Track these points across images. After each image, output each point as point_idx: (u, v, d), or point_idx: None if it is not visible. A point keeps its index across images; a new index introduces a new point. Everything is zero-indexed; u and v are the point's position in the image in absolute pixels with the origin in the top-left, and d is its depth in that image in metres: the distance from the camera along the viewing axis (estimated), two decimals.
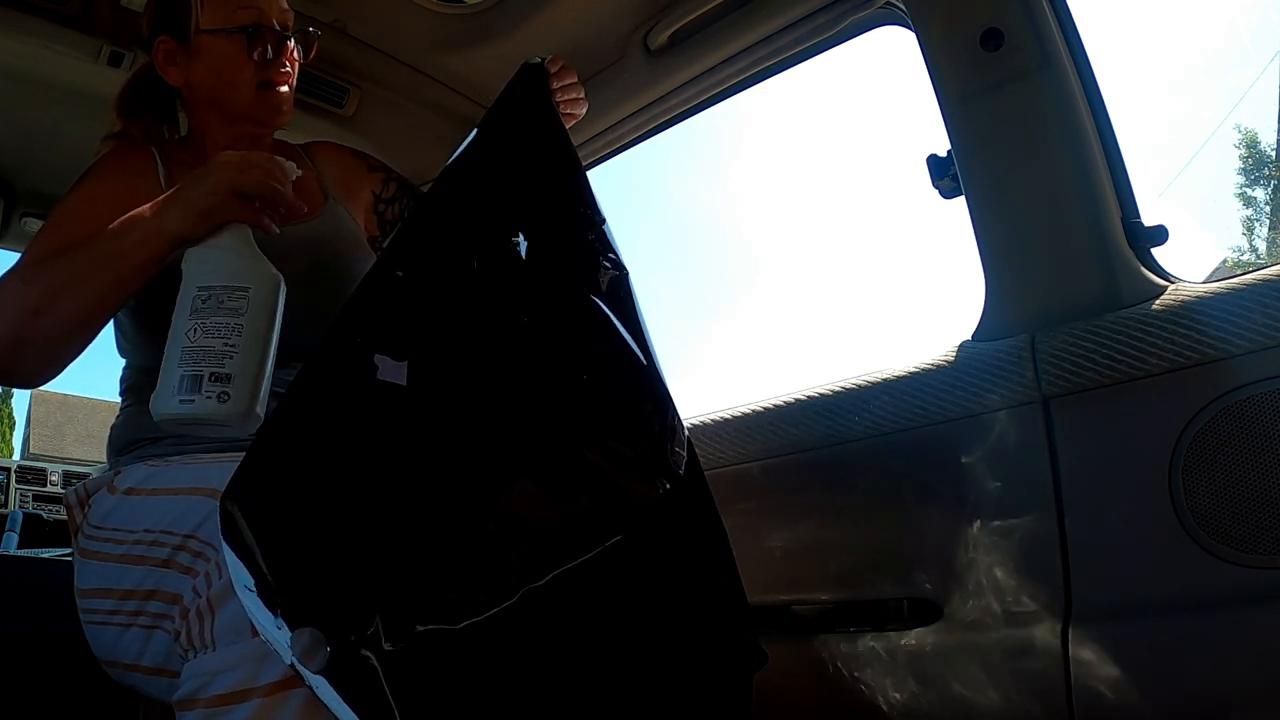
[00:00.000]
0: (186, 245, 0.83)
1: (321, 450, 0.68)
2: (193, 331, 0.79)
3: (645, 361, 0.84)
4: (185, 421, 0.79)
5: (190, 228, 0.82)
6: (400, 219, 1.18)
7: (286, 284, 0.92)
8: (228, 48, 1.01)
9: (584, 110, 1.03)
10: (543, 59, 0.93)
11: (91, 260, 0.84)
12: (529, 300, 0.80)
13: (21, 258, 0.90)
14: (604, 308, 0.83)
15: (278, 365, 0.95)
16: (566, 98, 0.97)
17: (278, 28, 1.02)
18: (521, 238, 0.81)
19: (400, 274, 0.75)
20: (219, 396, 0.79)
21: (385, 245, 0.75)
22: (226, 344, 0.80)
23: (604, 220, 0.87)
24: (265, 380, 0.83)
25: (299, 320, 0.98)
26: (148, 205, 0.84)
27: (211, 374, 0.79)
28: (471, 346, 0.76)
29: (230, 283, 0.81)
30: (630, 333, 0.84)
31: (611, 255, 0.86)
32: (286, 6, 1.05)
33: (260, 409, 0.81)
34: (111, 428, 0.99)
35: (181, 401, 0.78)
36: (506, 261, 0.80)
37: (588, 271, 0.85)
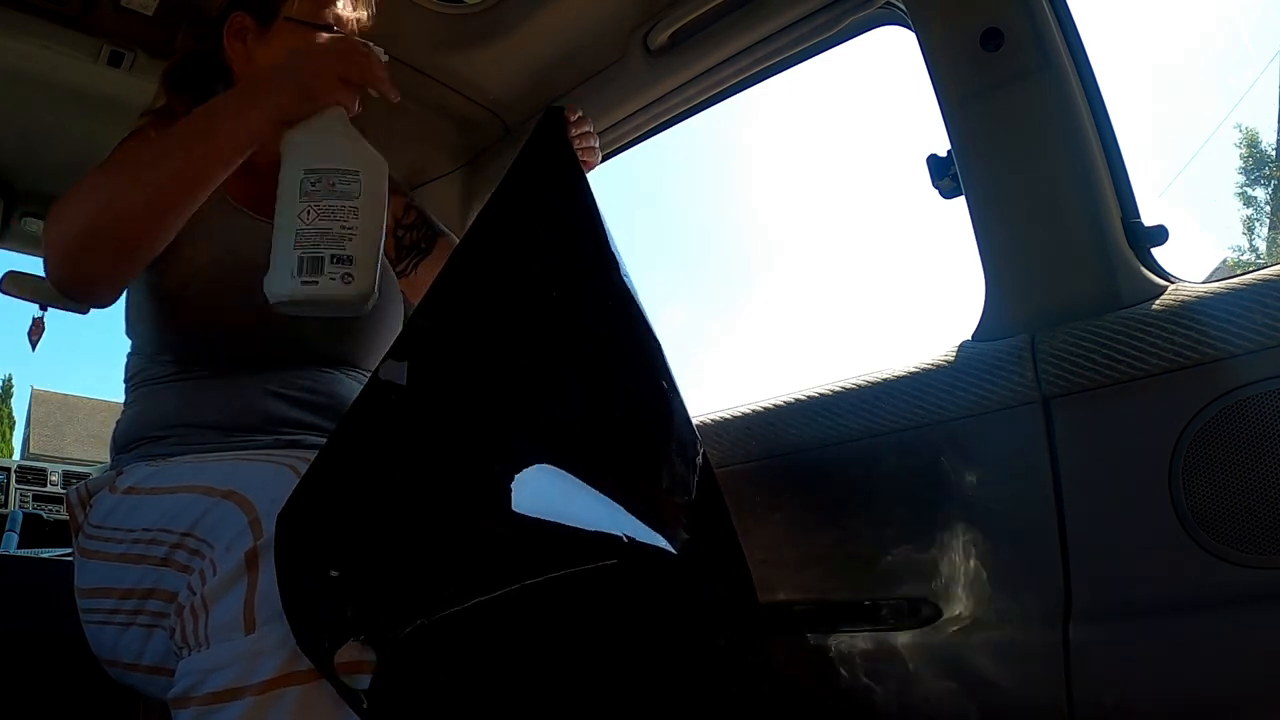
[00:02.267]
0: (283, 127, 0.83)
1: (363, 487, 0.69)
2: (306, 214, 0.78)
3: (666, 385, 0.88)
4: (304, 303, 0.78)
5: (295, 107, 0.82)
6: (417, 247, 1.19)
7: None
8: (303, 40, 1.00)
9: (598, 160, 1.05)
10: (562, 108, 0.95)
11: (181, 138, 0.82)
12: (564, 341, 0.81)
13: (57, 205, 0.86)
14: (629, 337, 0.87)
15: (299, 368, 0.95)
16: (582, 146, 0.99)
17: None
18: (553, 282, 0.83)
19: (436, 325, 0.76)
20: (342, 278, 0.78)
21: (427, 294, 0.77)
22: (344, 227, 0.79)
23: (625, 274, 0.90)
24: (380, 264, 0.82)
25: (330, 330, 0.98)
26: (234, 91, 0.84)
27: (333, 255, 0.78)
28: (508, 390, 0.77)
29: (341, 166, 0.81)
30: (652, 360, 0.87)
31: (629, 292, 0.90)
32: (368, 20, 1.06)
33: (376, 291, 0.81)
34: (117, 422, 0.99)
35: (304, 283, 0.76)
36: (539, 306, 0.81)
37: (613, 308, 0.87)
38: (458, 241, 1.21)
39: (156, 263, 0.92)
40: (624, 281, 0.90)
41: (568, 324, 0.83)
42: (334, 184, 0.80)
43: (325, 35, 0.87)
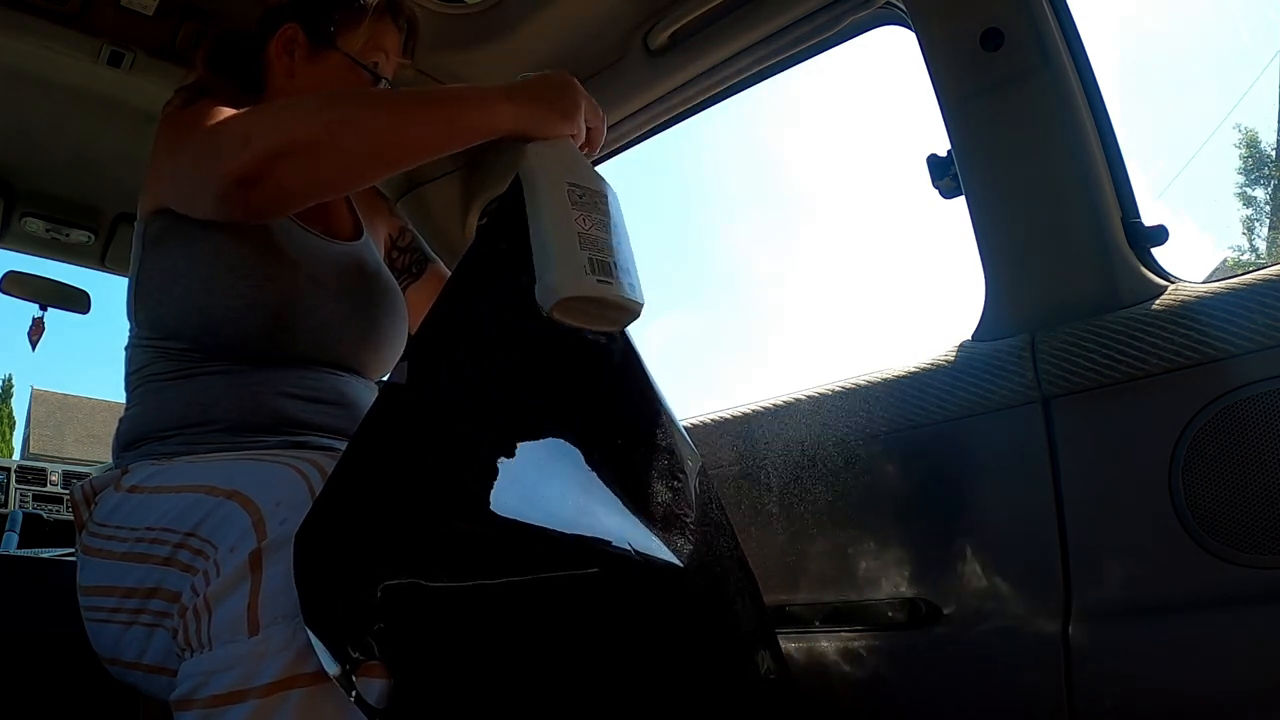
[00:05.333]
0: (518, 136, 0.85)
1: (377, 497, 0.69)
2: (582, 221, 0.79)
3: (657, 404, 0.89)
4: (590, 304, 0.78)
5: (544, 125, 0.85)
6: (408, 270, 1.21)
7: (342, 300, 0.97)
8: (349, 75, 1.02)
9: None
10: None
11: (419, 105, 0.84)
12: (556, 365, 0.83)
13: (232, 117, 0.84)
14: (622, 372, 0.88)
15: (311, 370, 0.96)
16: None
17: (388, 78, 1.07)
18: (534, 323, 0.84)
19: (436, 350, 0.77)
20: (628, 286, 0.79)
21: (424, 322, 0.79)
22: (615, 242, 0.81)
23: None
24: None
25: (348, 336, 0.99)
26: (473, 87, 0.87)
27: (615, 263, 0.79)
28: (509, 409, 0.78)
29: (598, 189, 0.83)
30: (644, 392, 0.89)
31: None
32: (400, 62, 1.09)
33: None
34: (120, 420, 0.98)
35: (599, 281, 0.77)
36: (531, 336, 0.83)
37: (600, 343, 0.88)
38: (445, 267, 1.24)
39: (210, 251, 0.92)
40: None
41: (558, 351, 0.84)
42: (596, 203, 0.81)
43: (572, 78, 0.90)
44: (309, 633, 0.61)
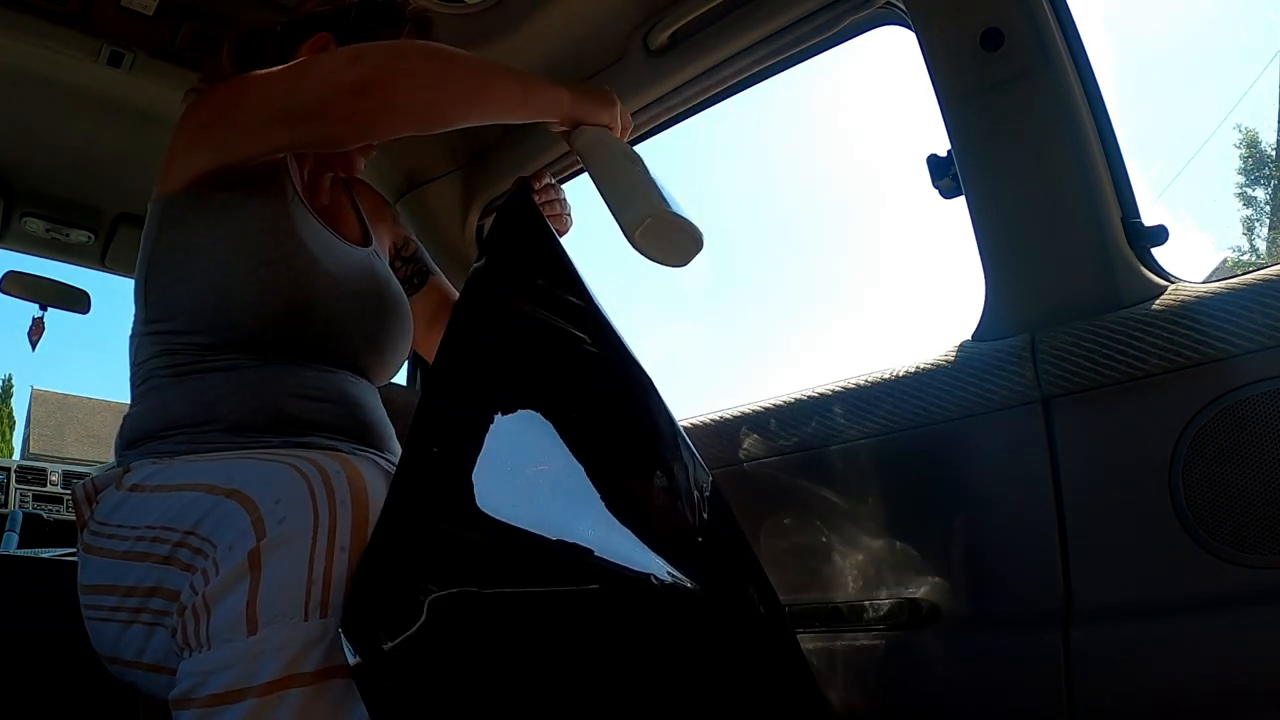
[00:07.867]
0: (565, 121, 0.98)
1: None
2: (641, 173, 0.93)
3: (665, 422, 0.91)
4: (672, 225, 0.88)
5: (590, 114, 0.98)
6: (410, 281, 1.22)
7: (354, 300, 1.00)
8: None
9: (570, 225, 1.11)
10: (528, 177, 1.05)
11: (499, 68, 0.94)
12: (564, 393, 0.86)
13: (336, 50, 0.95)
14: (623, 384, 0.90)
15: (315, 369, 0.97)
16: (551, 214, 1.04)
17: None
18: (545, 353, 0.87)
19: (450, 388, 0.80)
20: (690, 218, 0.91)
21: (434, 366, 0.83)
22: (667, 191, 0.93)
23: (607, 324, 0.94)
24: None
25: (356, 335, 0.99)
26: (532, 76, 0.96)
27: (673, 199, 0.91)
28: (524, 438, 0.81)
29: (640, 158, 0.97)
30: (654, 412, 0.91)
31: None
32: None
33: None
34: (124, 418, 0.98)
35: (679, 213, 0.88)
36: (537, 367, 0.86)
37: (604, 359, 0.91)
38: (445, 279, 1.25)
39: (234, 234, 0.92)
40: (614, 332, 0.92)
41: (565, 380, 0.86)
42: (644, 167, 0.94)
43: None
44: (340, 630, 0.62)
